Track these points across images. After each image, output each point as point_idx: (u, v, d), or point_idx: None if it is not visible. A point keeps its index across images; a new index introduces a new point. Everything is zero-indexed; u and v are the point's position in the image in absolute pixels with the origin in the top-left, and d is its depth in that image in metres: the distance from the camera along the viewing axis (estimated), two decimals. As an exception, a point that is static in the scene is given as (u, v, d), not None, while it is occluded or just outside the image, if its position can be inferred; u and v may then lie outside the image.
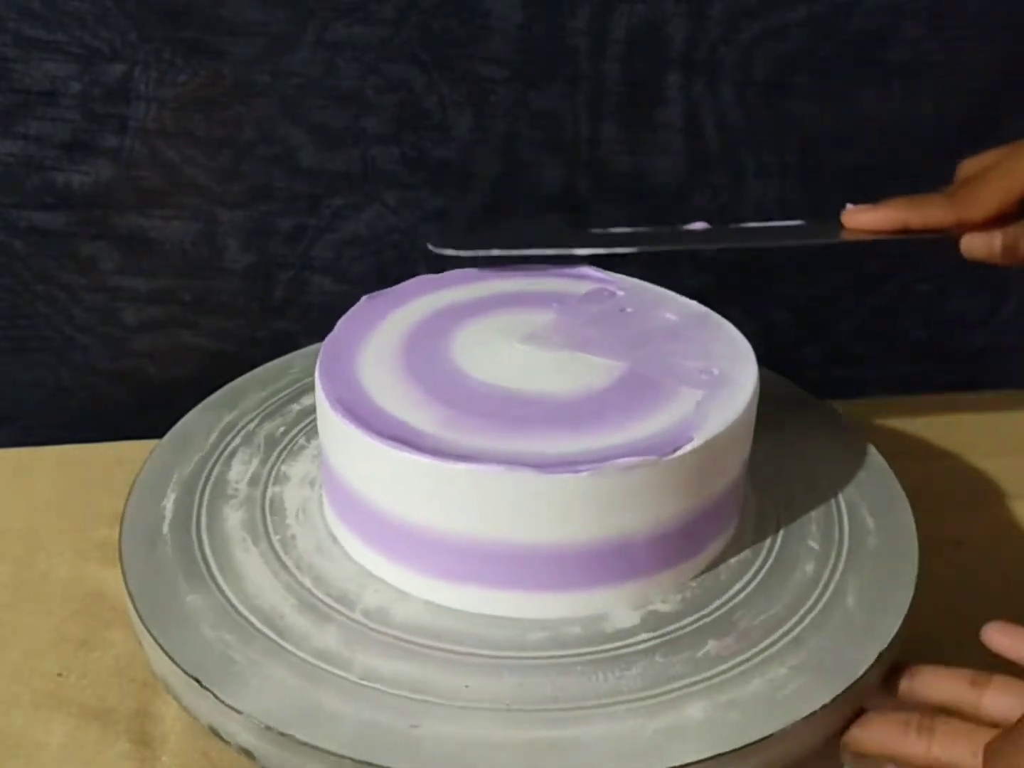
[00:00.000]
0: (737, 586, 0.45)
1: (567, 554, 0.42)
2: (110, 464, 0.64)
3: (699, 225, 0.54)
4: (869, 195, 0.72)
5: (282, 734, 0.38)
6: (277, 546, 0.46)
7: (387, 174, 0.67)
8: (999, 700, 0.40)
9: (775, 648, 0.42)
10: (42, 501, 0.63)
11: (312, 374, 0.53)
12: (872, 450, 0.53)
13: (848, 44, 0.67)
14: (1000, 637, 0.42)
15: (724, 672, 0.41)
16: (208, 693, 0.39)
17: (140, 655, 0.44)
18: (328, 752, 0.37)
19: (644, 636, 0.42)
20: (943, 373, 0.79)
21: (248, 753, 0.39)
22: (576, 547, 0.41)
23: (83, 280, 0.67)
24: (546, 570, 0.42)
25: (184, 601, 0.43)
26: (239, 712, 0.39)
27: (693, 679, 0.40)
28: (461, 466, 0.40)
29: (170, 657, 0.41)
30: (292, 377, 0.57)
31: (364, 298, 0.51)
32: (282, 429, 0.53)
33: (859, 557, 0.47)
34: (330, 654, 0.41)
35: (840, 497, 0.50)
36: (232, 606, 0.43)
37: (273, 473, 0.50)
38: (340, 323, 0.49)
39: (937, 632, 0.54)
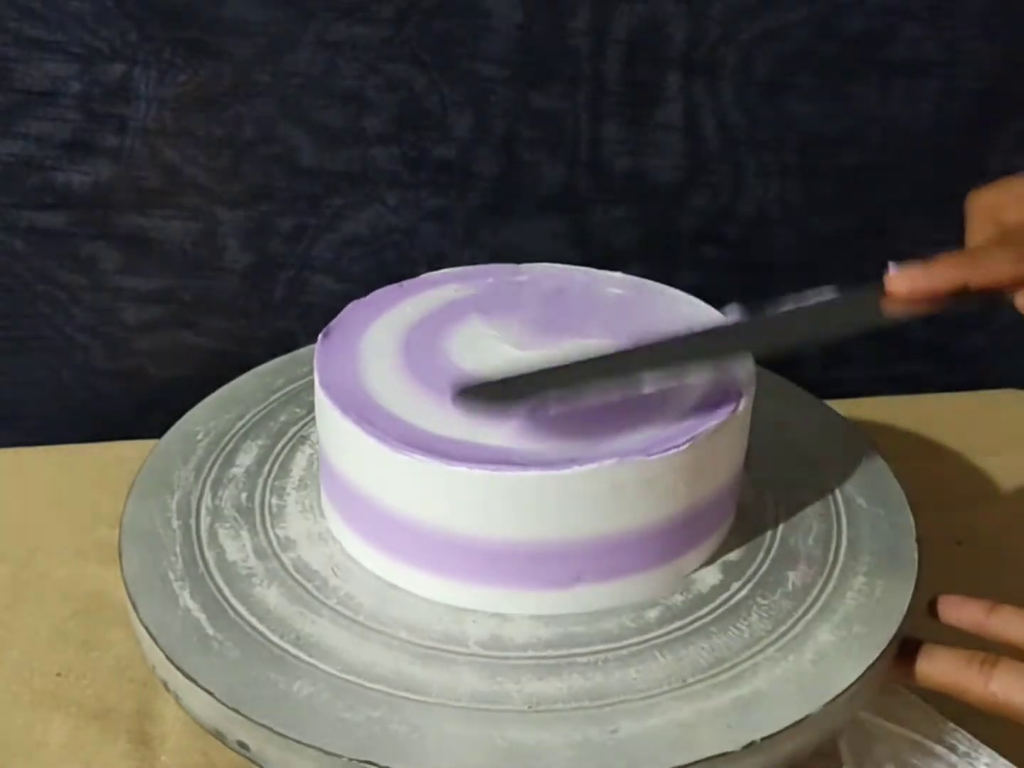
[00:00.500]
0: (735, 587, 0.45)
1: (574, 551, 0.42)
2: (110, 464, 0.64)
3: (731, 311, 0.45)
4: (869, 195, 0.72)
5: (283, 736, 0.38)
6: (276, 547, 0.46)
7: (387, 174, 0.67)
8: (1006, 682, 0.40)
9: (779, 645, 0.42)
10: (42, 501, 0.63)
11: (302, 377, 0.53)
12: (872, 450, 0.53)
13: (848, 44, 0.67)
14: (951, 611, 0.43)
15: (727, 670, 0.41)
16: (212, 698, 0.39)
17: (140, 655, 0.44)
18: (328, 752, 0.37)
19: (655, 633, 0.43)
20: (943, 373, 0.79)
21: (246, 749, 0.39)
22: (582, 544, 0.42)
23: (83, 280, 0.67)
24: (551, 567, 0.42)
25: (185, 605, 0.43)
26: (243, 716, 0.38)
27: (707, 674, 0.41)
28: (464, 468, 0.40)
29: (169, 659, 0.41)
30: (289, 377, 0.57)
31: (352, 303, 0.50)
32: (282, 424, 0.53)
33: (858, 557, 0.47)
34: (331, 653, 0.41)
35: (840, 497, 0.50)
36: (231, 607, 0.43)
37: (273, 472, 0.50)
38: (334, 324, 0.49)
39: (937, 632, 0.54)
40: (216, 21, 0.61)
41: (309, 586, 0.44)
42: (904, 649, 0.43)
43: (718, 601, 0.44)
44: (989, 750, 0.45)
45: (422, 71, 0.65)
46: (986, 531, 0.63)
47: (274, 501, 0.49)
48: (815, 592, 0.45)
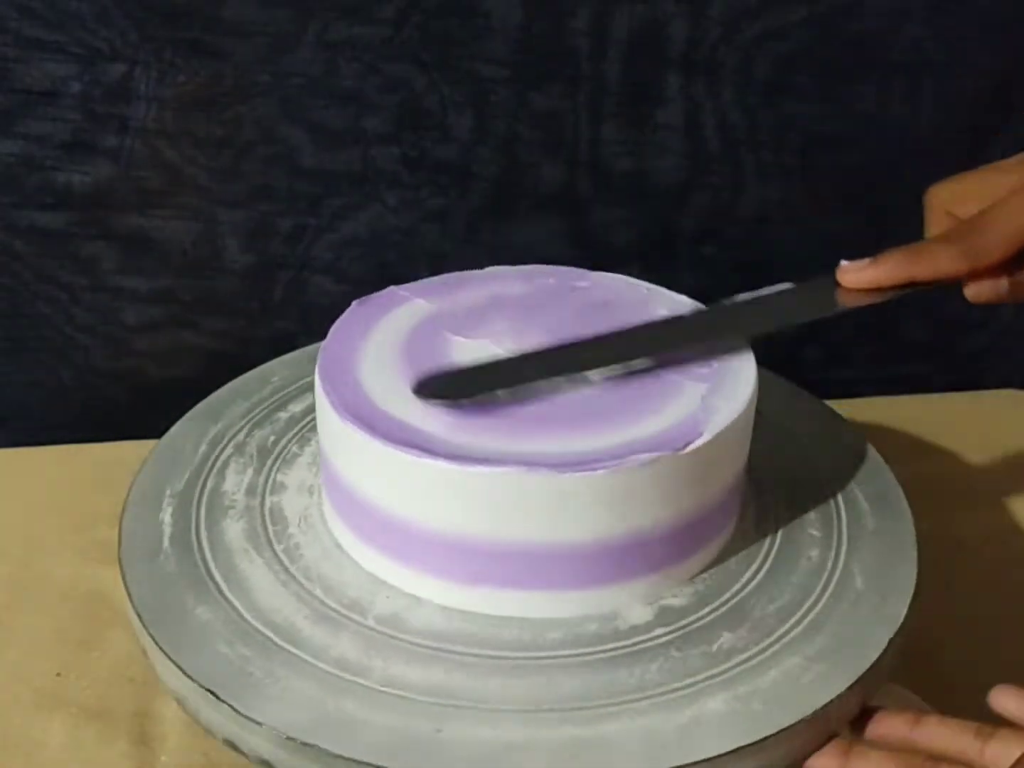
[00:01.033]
0: (736, 586, 0.45)
1: (583, 553, 0.42)
2: (110, 464, 0.64)
3: (688, 304, 0.49)
4: (869, 195, 0.72)
5: (305, 744, 0.38)
6: (282, 556, 0.46)
7: (387, 174, 0.67)
8: (1001, 750, 0.39)
9: (779, 645, 0.42)
10: (42, 501, 0.63)
11: (294, 382, 0.52)
12: (872, 450, 0.53)
13: (848, 44, 0.67)
14: (1006, 700, 0.42)
15: (740, 664, 0.41)
16: (225, 706, 0.39)
17: (139, 655, 0.44)
18: (353, 760, 0.37)
19: (660, 631, 0.42)
20: (943, 373, 0.79)
21: (267, 764, 0.39)
22: (592, 545, 0.42)
23: (83, 280, 0.67)
24: (561, 569, 0.42)
25: (193, 615, 0.43)
26: (259, 724, 0.38)
27: (711, 672, 0.41)
28: (478, 469, 0.40)
29: (185, 672, 0.41)
30: (274, 386, 0.56)
31: (355, 303, 0.50)
32: (272, 438, 0.53)
33: (859, 557, 0.47)
34: (347, 662, 0.41)
35: (840, 497, 0.50)
36: (242, 618, 0.43)
37: (269, 483, 0.50)
38: (333, 328, 0.49)
39: (937, 632, 0.54)
40: (216, 21, 0.61)
41: (303, 593, 0.44)
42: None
43: (720, 600, 0.44)
44: (989, 750, 0.45)
45: (422, 71, 0.65)
46: (985, 531, 0.63)
47: (274, 499, 0.49)
48: (815, 593, 0.45)
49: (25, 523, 0.61)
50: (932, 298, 0.76)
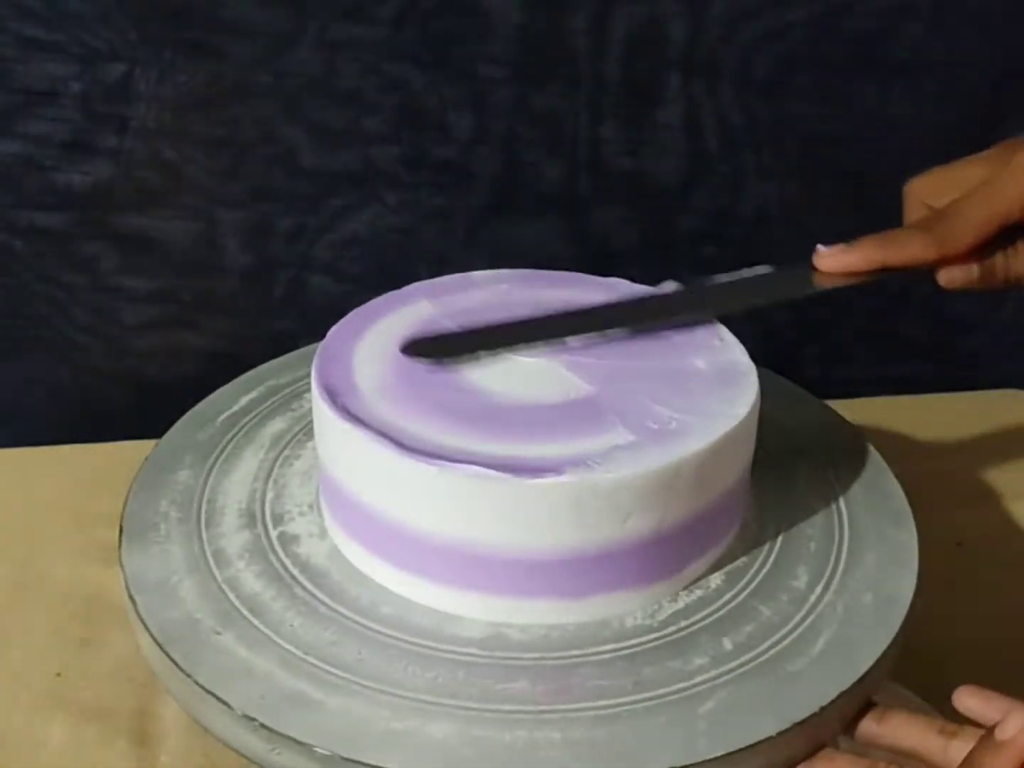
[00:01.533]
0: (736, 588, 0.45)
1: (580, 558, 0.42)
2: (110, 464, 0.64)
3: (668, 285, 0.50)
4: (869, 195, 0.72)
5: (281, 736, 0.38)
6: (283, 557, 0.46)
7: (387, 174, 0.67)
8: (964, 750, 0.39)
9: (780, 646, 0.42)
10: (42, 501, 0.63)
11: (294, 382, 0.53)
12: (871, 450, 0.53)
13: (848, 44, 0.67)
14: (968, 700, 0.42)
15: (735, 669, 0.41)
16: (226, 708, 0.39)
17: (139, 655, 0.44)
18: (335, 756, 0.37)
19: (661, 633, 0.42)
20: (943, 373, 0.79)
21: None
22: (590, 551, 0.42)
23: (83, 280, 0.67)
24: (557, 576, 0.42)
25: (193, 614, 0.43)
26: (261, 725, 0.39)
27: (712, 673, 0.41)
28: (460, 469, 0.40)
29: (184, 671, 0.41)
30: (274, 386, 0.56)
31: (352, 312, 0.50)
32: (273, 438, 0.53)
33: (859, 557, 0.47)
34: (334, 655, 0.41)
35: (840, 497, 0.50)
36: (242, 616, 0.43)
37: (270, 483, 0.50)
38: (331, 333, 0.49)
39: (937, 632, 0.54)
40: (216, 21, 0.61)
41: (303, 594, 0.44)
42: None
43: (721, 602, 0.44)
44: (989, 750, 0.45)
45: (422, 71, 0.65)
46: (986, 531, 0.63)
47: (274, 499, 0.49)
48: (816, 593, 0.45)
49: (25, 523, 0.61)
50: (932, 298, 0.76)
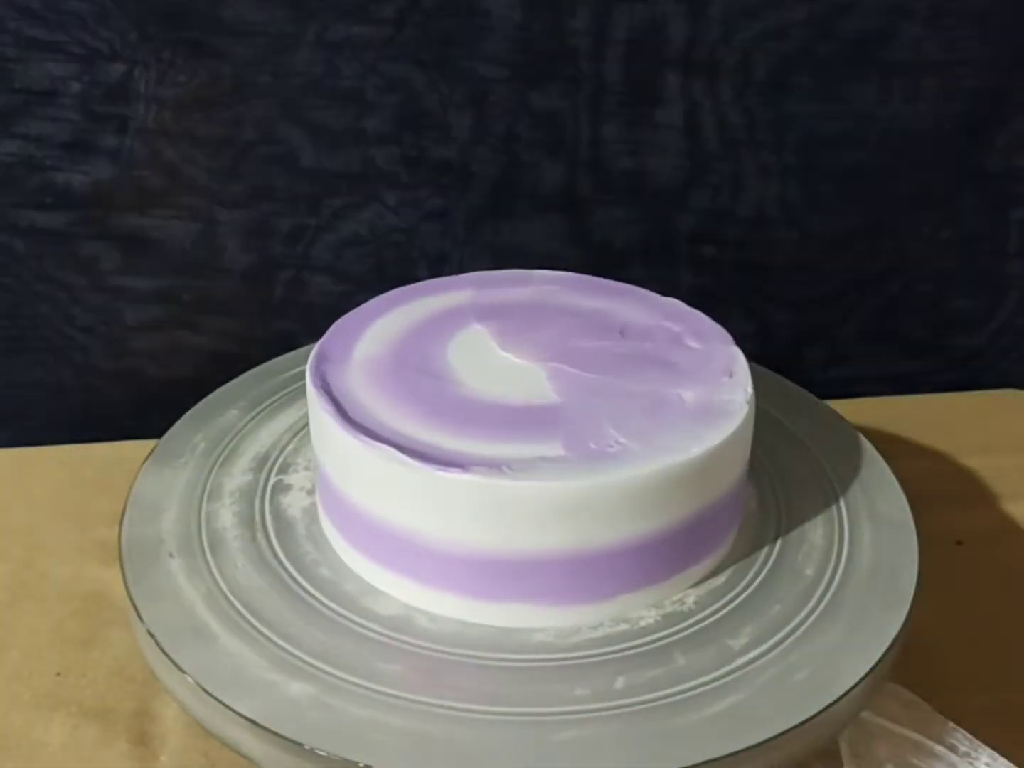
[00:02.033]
0: (739, 587, 0.45)
1: (480, 559, 0.42)
2: (110, 464, 0.64)
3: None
4: (869, 195, 0.72)
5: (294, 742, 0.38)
6: (283, 558, 0.46)
7: (387, 174, 0.67)
8: None
9: (782, 647, 0.42)
10: (42, 501, 0.63)
11: (294, 382, 0.54)
12: (872, 450, 0.53)
13: (848, 44, 0.67)
14: None
15: (742, 666, 0.41)
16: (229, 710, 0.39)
17: (139, 655, 0.44)
18: (343, 760, 0.37)
19: (661, 634, 0.42)
20: (943, 373, 0.79)
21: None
22: (592, 553, 0.41)
23: (83, 280, 0.67)
24: (459, 572, 0.42)
25: (193, 614, 0.43)
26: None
27: (713, 675, 0.41)
28: (390, 453, 0.41)
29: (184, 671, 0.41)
30: (274, 386, 0.57)
31: (335, 325, 0.51)
32: (273, 439, 0.53)
33: (859, 557, 0.47)
34: (254, 600, 0.43)
35: (840, 497, 0.50)
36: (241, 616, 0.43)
37: (270, 482, 0.50)
38: (328, 333, 0.49)
39: (937, 632, 0.54)
40: (216, 21, 0.61)
41: (303, 595, 0.45)
42: None
43: (727, 599, 0.44)
44: (989, 750, 0.45)
45: (422, 71, 0.65)
46: (986, 531, 0.63)
47: (274, 498, 0.49)
48: (817, 594, 0.45)
49: (25, 523, 0.61)
50: (932, 298, 0.76)
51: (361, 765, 0.37)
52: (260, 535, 0.47)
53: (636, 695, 0.40)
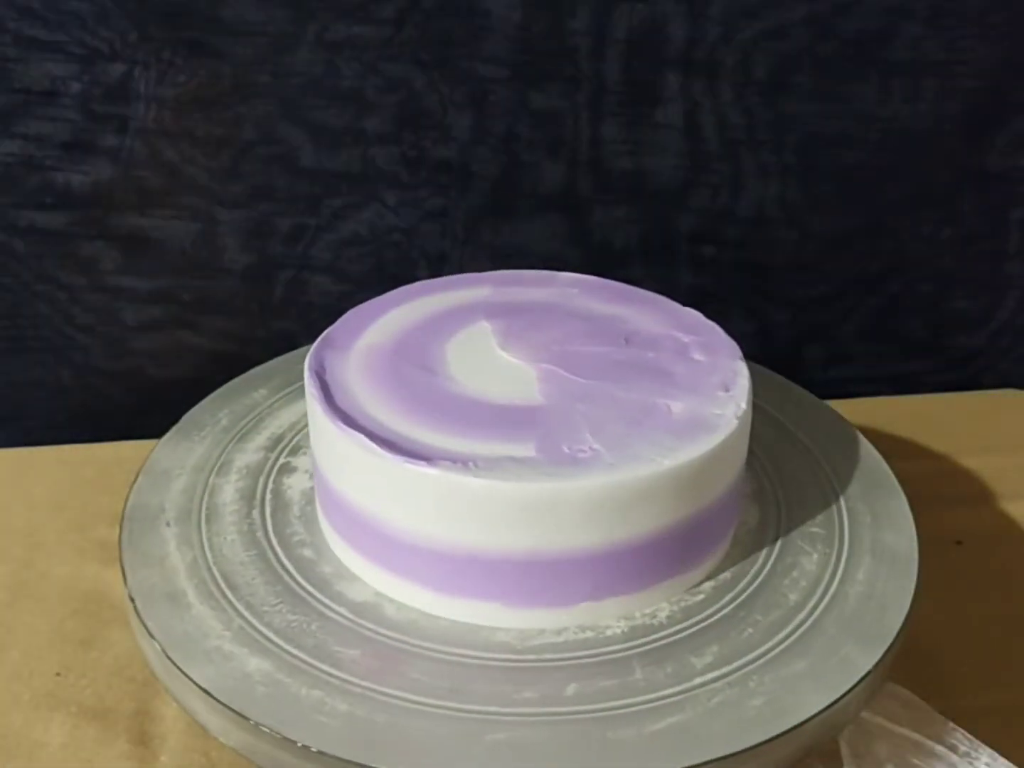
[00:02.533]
0: (716, 606, 0.44)
1: (439, 554, 0.42)
2: (110, 464, 0.64)
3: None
4: (869, 195, 0.72)
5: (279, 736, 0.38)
6: (283, 558, 0.46)
7: (387, 174, 0.67)
8: None
9: (780, 648, 0.42)
10: (42, 501, 0.63)
11: (293, 382, 0.54)
12: (872, 450, 0.53)
13: (848, 44, 0.67)
14: None
15: (742, 667, 0.41)
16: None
17: (139, 655, 0.44)
18: (332, 757, 0.37)
19: (662, 634, 0.42)
20: (942, 372, 0.79)
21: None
22: (552, 556, 0.41)
23: (83, 280, 0.67)
24: (418, 563, 0.42)
25: (193, 614, 0.43)
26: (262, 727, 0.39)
27: (713, 675, 0.41)
28: (361, 441, 0.41)
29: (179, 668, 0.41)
30: (274, 386, 0.57)
31: (350, 311, 0.51)
32: (273, 439, 0.53)
33: (859, 557, 0.47)
34: (227, 572, 0.44)
35: (840, 497, 0.50)
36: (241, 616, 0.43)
37: (270, 483, 0.50)
38: (341, 320, 0.50)
39: (937, 632, 0.54)
40: (216, 21, 0.61)
41: (281, 573, 0.45)
42: None
43: (728, 598, 0.44)
44: (989, 750, 0.45)
45: (422, 71, 0.65)
46: (985, 531, 0.63)
47: (275, 499, 0.49)
48: (817, 594, 0.45)
49: (25, 523, 0.61)
50: (932, 298, 0.76)
51: (299, 744, 0.37)
52: (256, 512, 0.47)
53: (583, 704, 0.39)
